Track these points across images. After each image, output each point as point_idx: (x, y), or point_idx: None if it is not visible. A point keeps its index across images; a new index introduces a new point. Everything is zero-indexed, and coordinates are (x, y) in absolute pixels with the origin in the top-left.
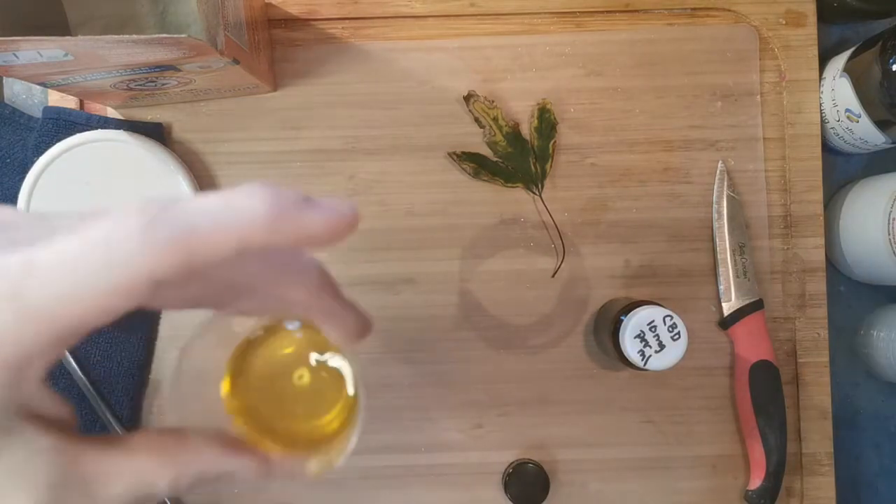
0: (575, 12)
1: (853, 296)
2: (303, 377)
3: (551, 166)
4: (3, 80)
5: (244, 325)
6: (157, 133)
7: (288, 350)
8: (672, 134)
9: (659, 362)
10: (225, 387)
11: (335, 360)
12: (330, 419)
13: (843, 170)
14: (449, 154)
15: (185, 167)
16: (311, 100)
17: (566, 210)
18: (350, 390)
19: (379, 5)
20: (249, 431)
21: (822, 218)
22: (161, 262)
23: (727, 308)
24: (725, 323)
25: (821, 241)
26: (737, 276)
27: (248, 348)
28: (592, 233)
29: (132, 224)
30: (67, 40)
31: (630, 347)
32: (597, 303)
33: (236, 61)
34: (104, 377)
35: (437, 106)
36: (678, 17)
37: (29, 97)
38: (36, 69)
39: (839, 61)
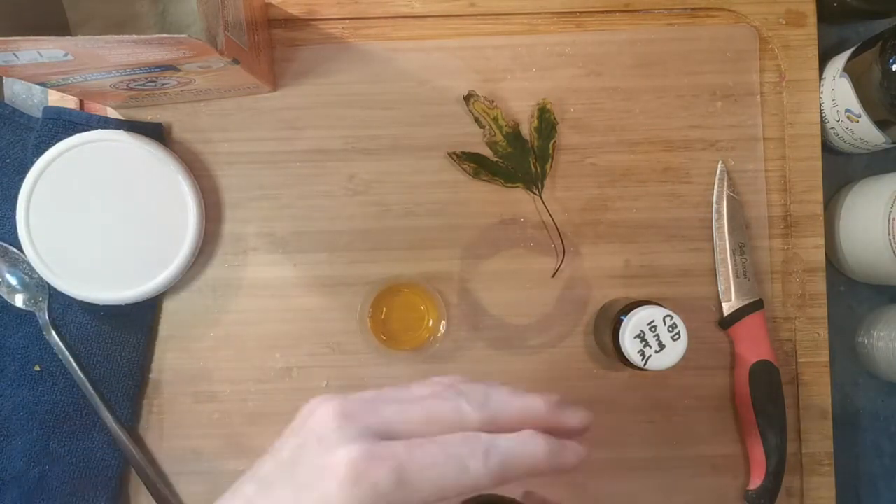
0: (575, 12)
1: (853, 296)
2: (408, 305)
3: (551, 166)
4: (3, 80)
5: (375, 288)
6: (157, 133)
7: (399, 294)
8: (672, 134)
9: (659, 362)
10: (370, 319)
11: (426, 297)
12: (423, 328)
13: (843, 170)
14: (449, 154)
15: (185, 167)
16: (311, 100)
17: (566, 210)
18: (431, 322)
19: (379, 5)
20: (382, 338)
21: (822, 218)
22: None
23: (727, 308)
24: (725, 323)
25: (821, 241)
26: (737, 276)
27: (378, 297)
28: (592, 233)
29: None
30: (67, 40)
31: (630, 347)
32: (597, 303)
33: (236, 61)
34: (104, 377)
35: (436, 106)
36: (678, 17)
37: (29, 97)
38: (36, 69)
39: (839, 61)
